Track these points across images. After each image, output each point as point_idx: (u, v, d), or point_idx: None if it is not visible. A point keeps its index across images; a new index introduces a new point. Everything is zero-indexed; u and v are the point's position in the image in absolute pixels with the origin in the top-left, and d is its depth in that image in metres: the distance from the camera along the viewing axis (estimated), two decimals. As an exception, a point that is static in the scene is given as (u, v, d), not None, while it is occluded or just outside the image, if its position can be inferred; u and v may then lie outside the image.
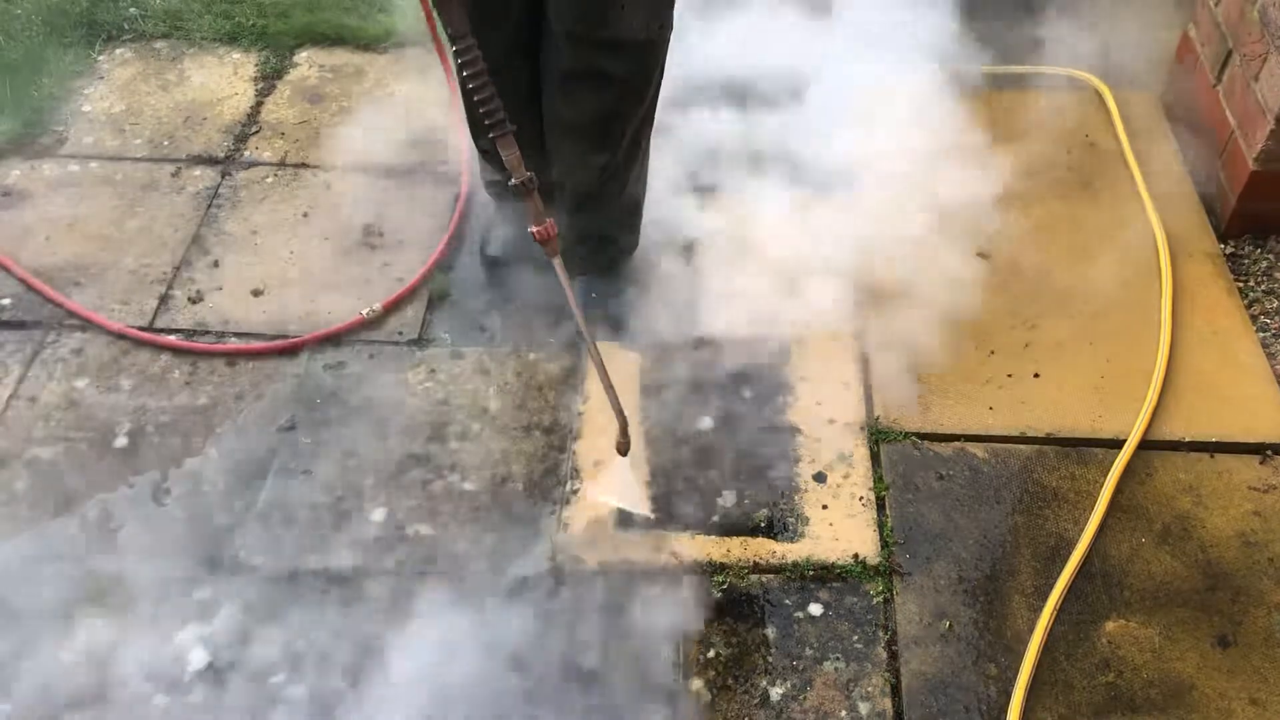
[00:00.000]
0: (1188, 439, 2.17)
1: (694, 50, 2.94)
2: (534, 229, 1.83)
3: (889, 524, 2.05)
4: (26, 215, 2.64)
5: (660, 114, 2.24)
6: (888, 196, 2.65)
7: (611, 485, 2.11)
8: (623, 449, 2.04)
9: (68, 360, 2.34)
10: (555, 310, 2.43)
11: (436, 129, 2.85)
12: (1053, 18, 3.12)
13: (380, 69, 3.07)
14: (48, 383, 2.29)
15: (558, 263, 1.86)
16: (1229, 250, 2.58)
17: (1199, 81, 2.77)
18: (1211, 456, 2.15)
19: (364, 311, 2.39)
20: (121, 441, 2.20)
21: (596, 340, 2.33)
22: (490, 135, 1.74)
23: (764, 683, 1.85)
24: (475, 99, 1.73)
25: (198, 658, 1.88)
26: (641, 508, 2.09)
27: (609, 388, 1.94)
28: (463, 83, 1.80)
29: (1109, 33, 3.06)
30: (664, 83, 2.14)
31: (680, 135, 2.77)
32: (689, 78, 2.86)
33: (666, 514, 2.08)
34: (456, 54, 1.71)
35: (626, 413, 2.02)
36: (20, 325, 2.40)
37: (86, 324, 2.40)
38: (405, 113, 2.92)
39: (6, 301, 2.45)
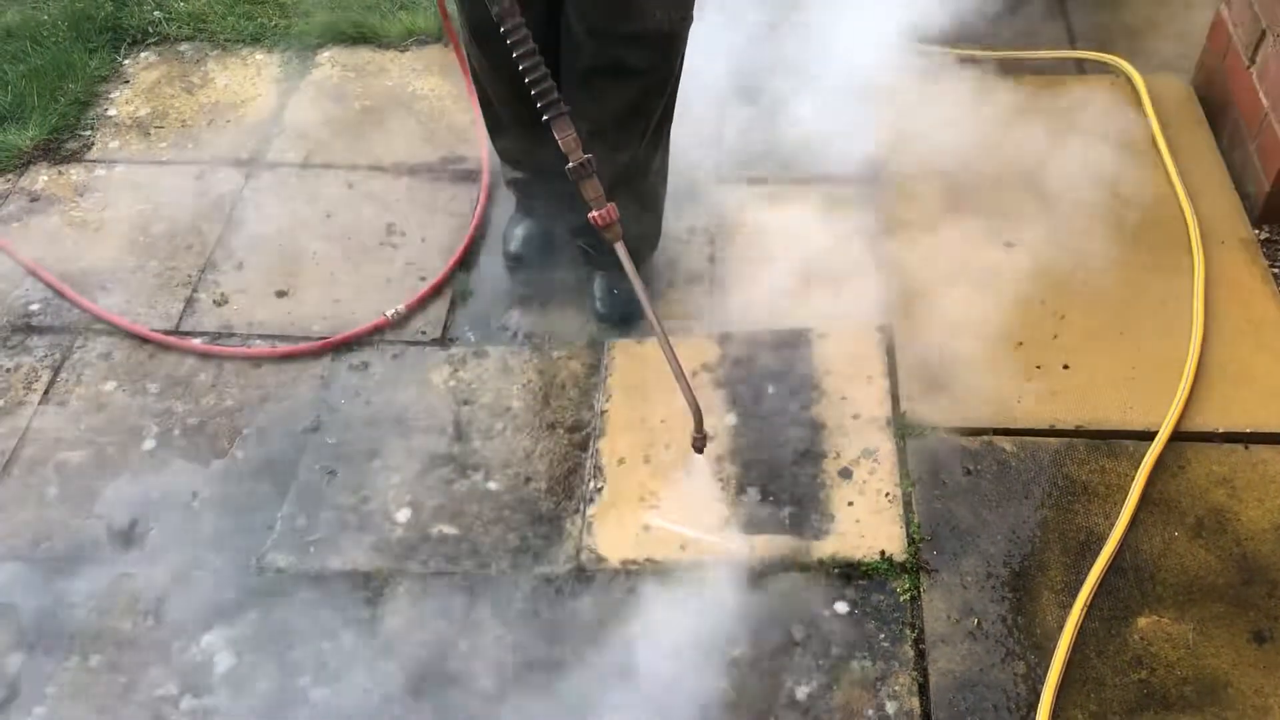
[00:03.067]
0: (1221, 430, 2.13)
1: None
2: (594, 214, 1.79)
3: (916, 520, 2.03)
4: (54, 220, 2.67)
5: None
6: (912, 184, 2.62)
7: (683, 502, 2.01)
8: (699, 445, 1.95)
9: (96, 364, 2.36)
10: (578, 307, 2.42)
11: (458, 127, 2.85)
12: (1081, 1, 3.07)
13: (402, 67, 3.07)
14: (76, 386, 2.31)
15: (620, 247, 1.80)
16: (1263, 236, 2.53)
17: (1231, 63, 2.71)
18: (1246, 448, 2.11)
19: (388, 313, 2.40)
20: (149, 444, 2.22)
21: (616, 335, 2.35)
22: (544, 117, 1.71)
23: (790, 682, 1.84)
24: (527, 80, 1.70)
25: (224, 660, 1.90)
26: (721, 531, 2.00)
27: (681, 377, 1.86)
28: (498, 66, 1.75)
29: (1138, 15, 3.01)
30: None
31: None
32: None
33: (688, 512, 2.07)
34: (505, 35, 1.68)
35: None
36: (49, 330, 2.43)
37: (114, 328, 2.42)
38: (427, 111, 2.92)
39: (35, 306, 2.47)
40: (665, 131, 2.26)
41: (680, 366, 1.85)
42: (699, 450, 1.97)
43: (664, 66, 2.08)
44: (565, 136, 1.72)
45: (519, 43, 1.68)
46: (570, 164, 1.74)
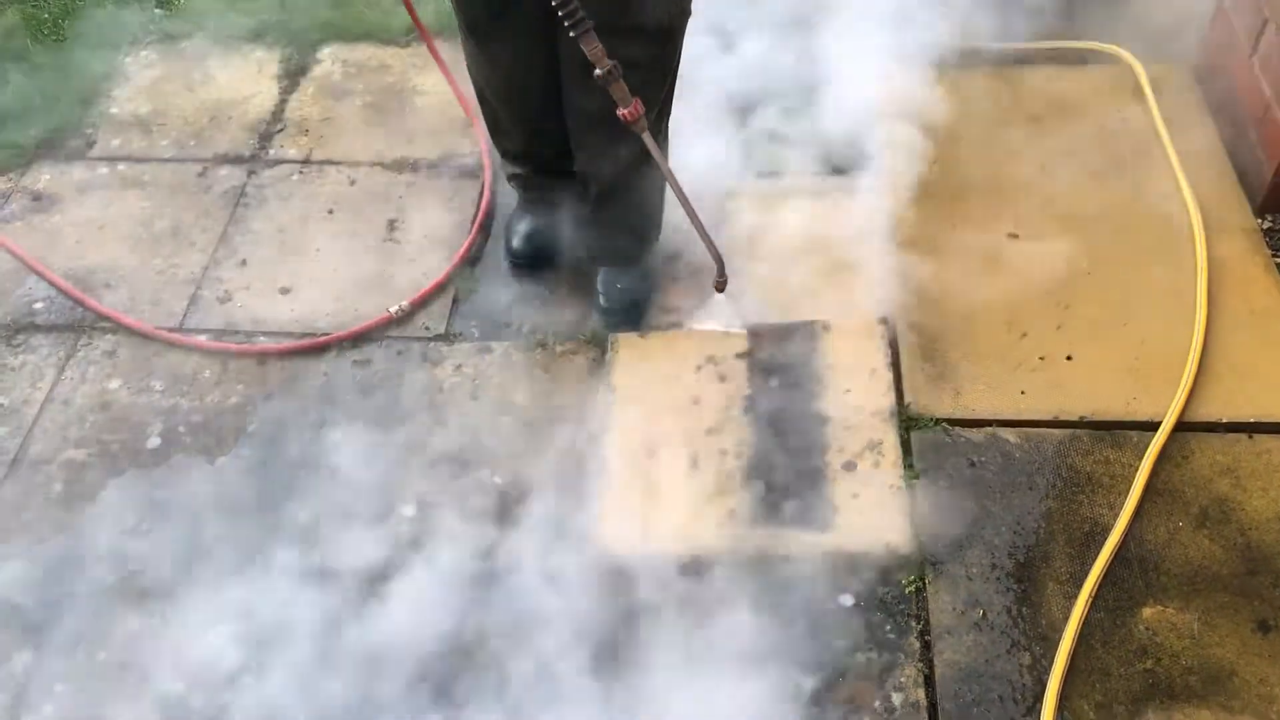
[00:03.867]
0: (1225, 420, 2.13)
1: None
2: (622, 111, 1.92)
3: (920, 512, 2.03)
4: (56, 218, 2.67)
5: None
6: (914, 176, 2.62)
7: (712, 316, 2.33)
8: (720, 287, 2.22)
9: (100, 362, 2.36)
10: (581, 302, 2.43)
11: (459, 123, 2.84)
12: (1082, -10, 3.07)
13: (403, 63, 3.07)
14: (80, 385, 2.32)
15: (648, 137, 1.97)
16: (1266, 225, 2.53)
17: (1234, 52, 2.71)
18: (1250, 437, 2.11)
19: (392, 309, 2.40)
20: (154, 442, 2.22)
21: (619, 330, 2.35)
22: (571, 34, 1.82)
23: (796, 675, 1.84)
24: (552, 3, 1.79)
25: (231, 657, 1.90)
26: (736, 325, 2.32)
27: (701, 228, 2.09)
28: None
29: (1139, 5, 3.00)
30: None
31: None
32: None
33: (692, 506, 2.07)
34: None
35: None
36: (53, 328, 2.43)
37: (118, 326, 2.42)
38: (428, 107, 2.92)
39: (39, 305, 2.48)
40: (664, 124, 2.26)
41: (697, 215, 2.07)
42: (720, 290, 2.23)
43: (663, 59, 2.08)
44: (592, 48, 1.84)
45: None
46: (597, 70, 1.87)
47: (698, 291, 2.41)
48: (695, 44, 2.19)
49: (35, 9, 3.23)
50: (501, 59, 2.12)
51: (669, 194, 2.40)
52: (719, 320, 2.33)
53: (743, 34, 3.02)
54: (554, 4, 1.80)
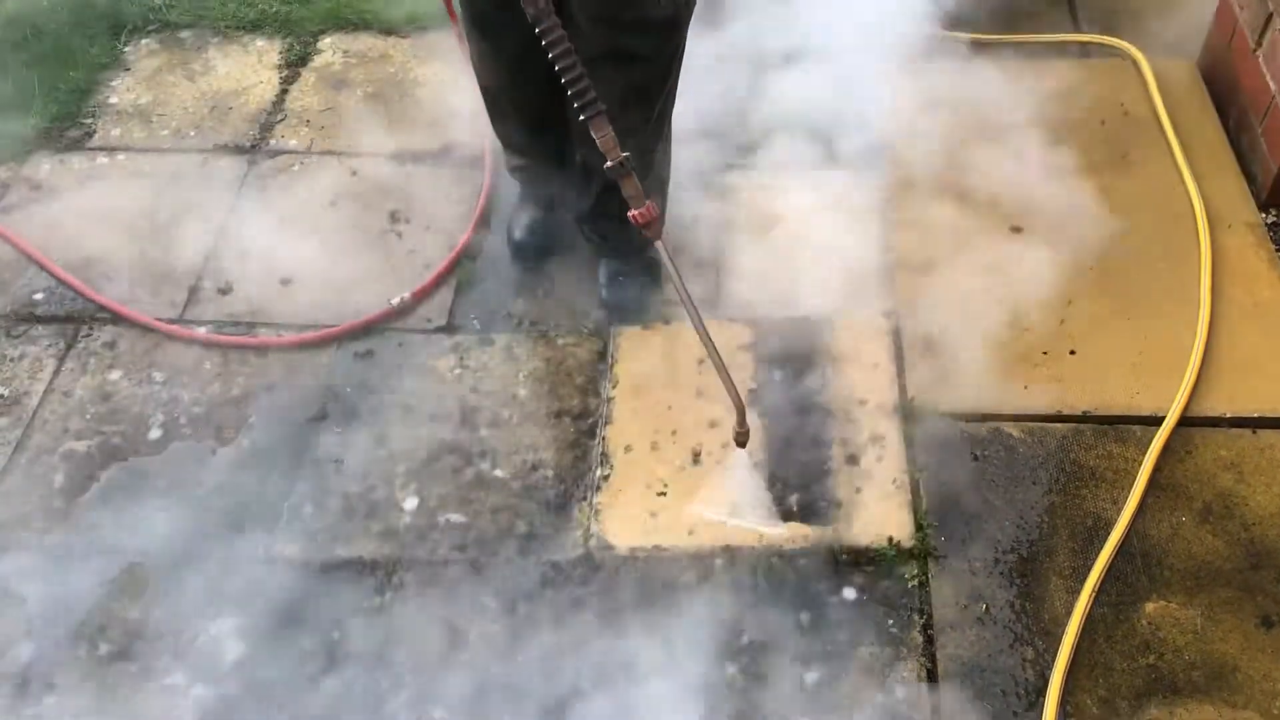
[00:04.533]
0: (1229, 415, 2.13)
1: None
2: (634, 213, 1.74)
3: (923, 506, 2.03)
4: (56, 209, 2.66)
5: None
6: (918, 170, 2.61)
7: (728, 495, 2.01)
8: (741, 440, 1.96)
9: (100, 354, 2.35)
10: (583, 294, 2.42)
11: (461, 114, 2.83)
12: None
13: (404, 54, 3.06)
14: (81, 376, 2.31)
15: (661, 246, 1.77)
16: (1270, 220, 2.52)
17: (1238, 47, 2.70)
18: (1254, 432, 2.11)
19: (394, 301, 2.39)
20: (155, 434, 2.21)
21: (621, 322, 2.35)
22: (581, 117, 1.68)
23: (799, 668, 1.84)
24: (564, 80, 1.66)
25: (233, 649, 1.90)
26: (770, 521, 2.00)
27: (722, 369, 1.85)
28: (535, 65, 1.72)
29: (1143, -2, 3.00)
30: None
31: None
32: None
33: (695, 500, 2.07)
34: (541, 35, 1.64)
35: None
36: (53, 319, 2.42)
37: (118, 317, 2.41)
38: (430, 98, 2.91)
39: (39, 296, 2.47)
40: (668, 117, 2.25)
41: (722, 361, 1.85)
42: (741, 444, 1.98)
43: (666, 52, 2.07)
44: (603, 136, 1.68)
45: (555, 42, 1.64)
46: (609, 163, 1.70)
47: (701, 284, 2.40)
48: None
49: (35, -2, 3.22)
50: (506, 51, 2.11)
51: (672, 188, 2.40)
52: (737, 505, 2.02)
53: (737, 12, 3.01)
54: (565, 82, 1.65)
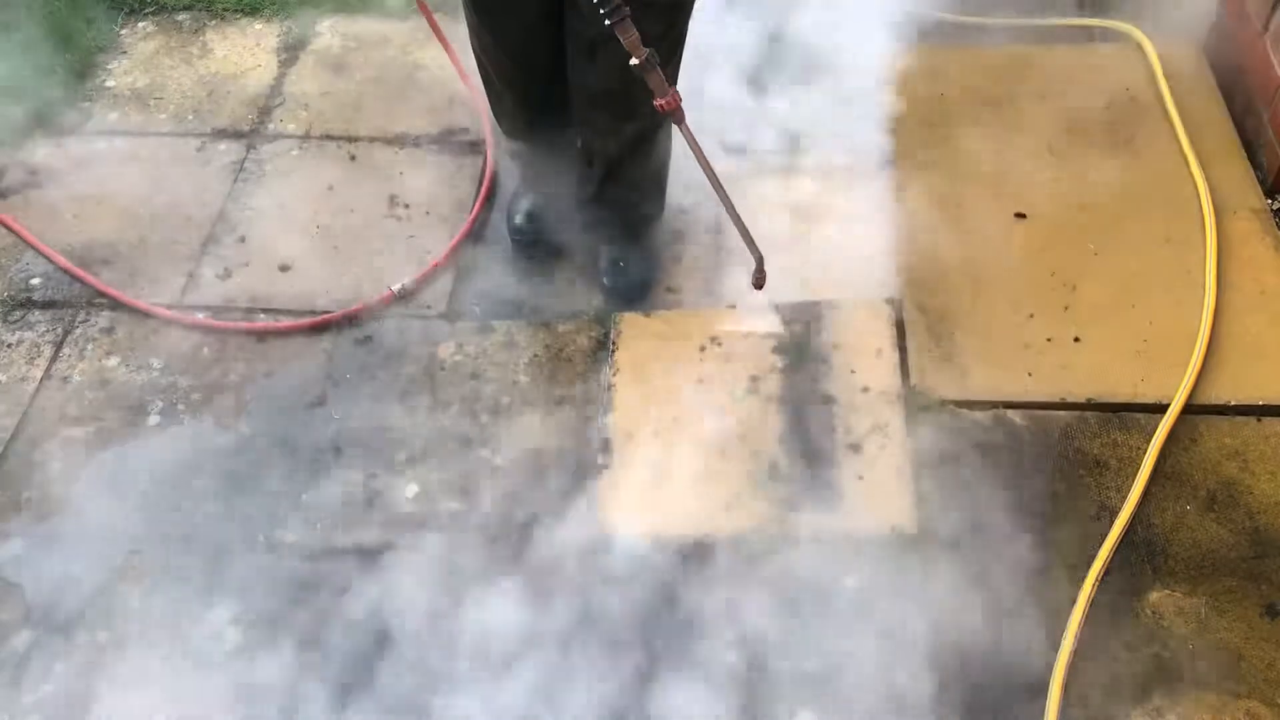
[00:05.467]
0: (1234, 403, 2.12)
1: None
2: (659, 101, 1.84)
3: (926, 494, 2.02)
4: (53, 194, 2.64)
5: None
6: (921, 156, 2.59)
7: (750, 317, 2.28)
8: (759, 283, 2.15)
9: (98, 339, 2.34)
10: (584, 281, 2.41)
11: (461, 98, 2.81)
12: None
13: (404, 37, 3.03)
14: (79, 362, 2.30)
15: (686, 129, 1.90)
16: (1276, 205, 2.50)
17: (1245, 30, 2.68)
18: (1259, 420, 2.10)
19: (394, 287, 2.37)
20: (154, 420, 2.20)
21: (623, 308, 2.33)
22: (608, 22, 1.74)
23: (802, 659, 1.83)
24: None
25: (232, 637, 1.89)
26: (778, 326, 2.27)
27: (739, 222, 2.01)
28: None
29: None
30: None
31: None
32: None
33: (696, 488, 2.06)
34: None
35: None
36: (50, 305, 2.41)
37: (116, 303, 2.39)
38: (430, 82, 2.88)
39: (36, 281, 2.45)
40: (672, 101, 2.23)
41: (739, 215, 2.00)
42: (759, 287, 2.16)
43: (670, 35, 2.05)
44: (629, 38, 1.76)
45: None
46: (634, 60, 1.79)
47: (702, 271, 2.40)
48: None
49: (30, -20, 3.19)
50: (506, 35, 2.08)
51: (673, 173, 2.38)
52: (757, 318, 2.30)
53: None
54: None
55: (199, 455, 2.14)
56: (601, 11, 1.72)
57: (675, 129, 1.95)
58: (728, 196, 1.96)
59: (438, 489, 2.07)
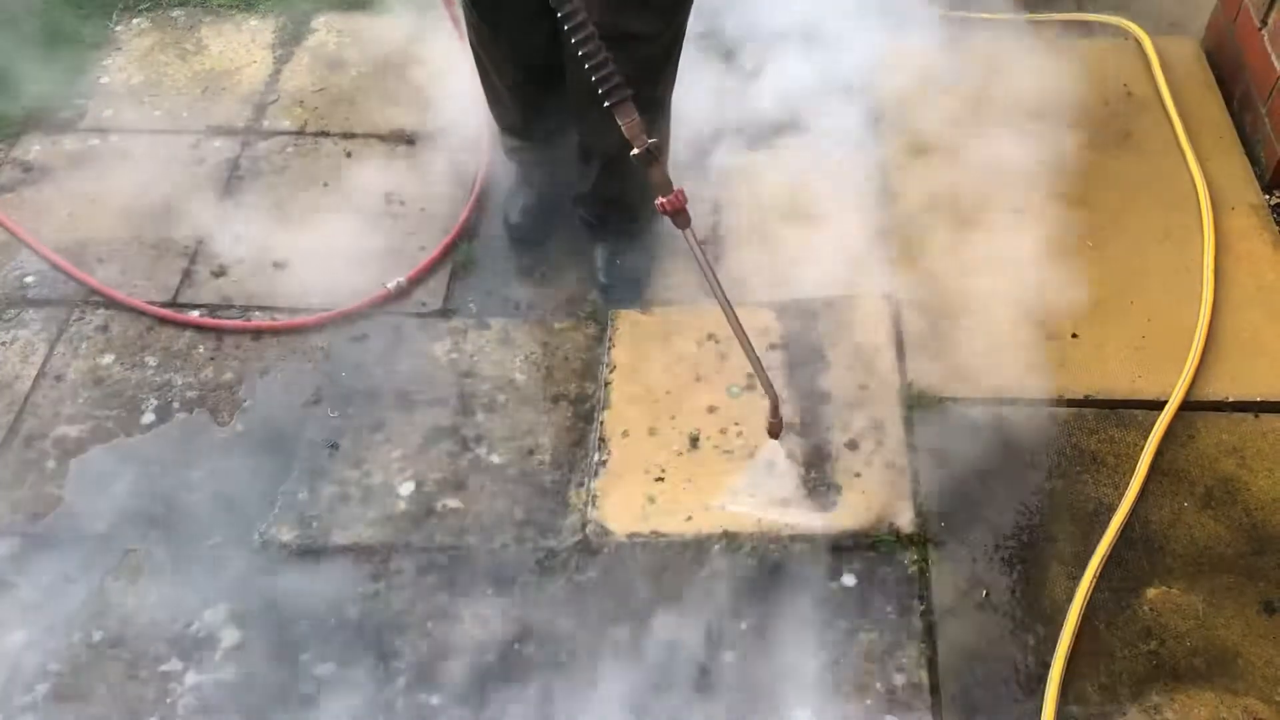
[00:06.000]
0: (1231, 399, 2.11)
1: None
2: (661, 200, 1.71)
3: (923, 491, 2.01)
4: (48, 191, 2.63)
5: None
6: (919, 152, 2.59)
7: (760, 487, 2.01)
8: (775, 431, 1.95)
9: (93, 337, 2.33)
10: (580, 278, 2.40)
11: (456, 95, 2.80)
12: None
13: (399, 33, 3.01)
14: (74, 360, 2.29)
15: (689, 234, 1.74)
16: (1274, 201, 2.50)
17: (1243, 26, 2.67)
18: (1256, 417, 2.10)
19: (389, 285, 2.37)
20: (149, 418, 2.19)
21: (618, 305, 2.32)
22: (606, 103, 1.64)
23: (798, 655, 1.83)
24: (588, 65, 1.62)
25: (229, 635, 1.88)
26: (807, 514, 1.97)
27: (755, 360, 1.84)
28: (568, 50, 1.64)
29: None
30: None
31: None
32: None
33: (693, 484, 2.05)
34: (564, 20, 1.60)
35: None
36: (45, 303, 2.40)
37: (111, 301, 2.38)
38: (425, 78, 2.87)
39: (31, 279, 2.44)
40: (668, 98, 2.22)
41: (755, 352, 1.83)
42: (774, 436, 1.97)
43: (667, 33, 2.04)
44: (629, 122, 1.65)
45: (579, 26, 1.60)
46: (635, 150, 1.67)
47: (698, 268, 2.38)
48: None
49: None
50: (503, 31, 2.08)
51: (670, 169, 2.37)
52: (782, 500, 2.01)
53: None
54: (589, 67, 1.61)
55: (194, 454, 2.13)
56: (600, 91, 1.63)
57: (673, 131, 1.90)
58: (741, 327, 1.78)
59: (433, 487, 2.07)
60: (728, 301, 1.77)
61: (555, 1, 1.60)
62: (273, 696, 1.82)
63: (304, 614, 1.91)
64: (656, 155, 1.68)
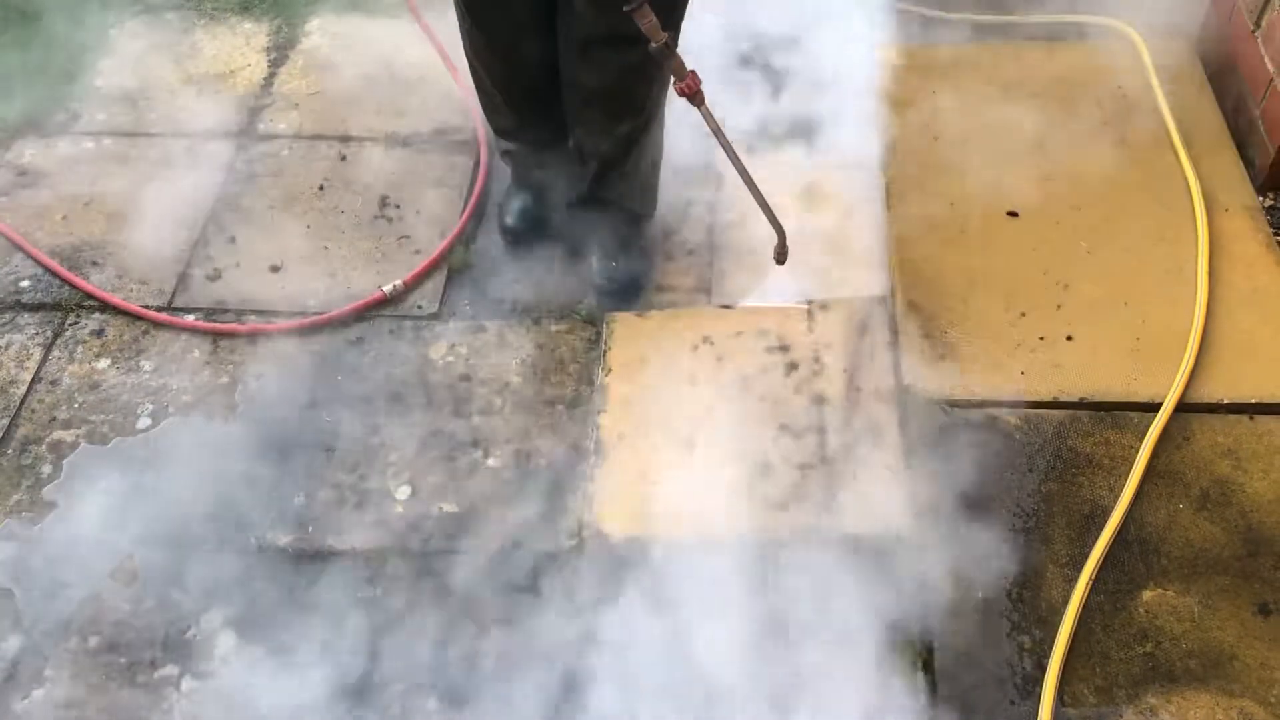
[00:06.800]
0: (1226, 401, 2.12)
1: None
2: (677, 84, 1.85)
3: (919, 494, 2.02)
4: (42, 195, 2.62)
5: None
6: (913, 153, 2.59)
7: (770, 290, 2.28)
8: (781, 258, 2.08)
9: (88, 342, 2.33)
10: (576, 281, 2.40)
11: (452, 97, 2.80)
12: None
13: (395, 36, 3.02)
14: (69, 365, 2.28)
15: (705, 110, 1.88)
16: (1268, 203, 2.51)
17: (1236, 28, 2.68)
18: (1251, 419, 2.10)
19: (385, 288, 2.36)
20: (144, 422, 2.19)
21: (615, 308, 2.33)
22: (626, 9, 1.73)
23: (796, 658, 1.83)
24: None
25: (225, 640, 1.88)
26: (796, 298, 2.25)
27: (759, 197, 1.97)
28: None
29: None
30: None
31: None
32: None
33: (688, 489, 2.05)
34: None
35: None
36: (40, 307, 2.39)
37: (106, 305, 2.38)
38: (420, 81, 2.87)
39: (25, 283, 2.44)
40: (663, 100, 2.22)
41: (759, 189, 1.96)
42: (780, 262, 2.09)
43: (670, 7, 2.04)
44: (646, 22, 1.76)
45: None
46: (652, 45, 1.79)
47: (695, 270, 2.39)
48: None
49: (18, -21, 3.17)
50: (499, 32, 2.08)
51: (665, 171, 2.37)
52: (779, 295, 2.30)
53: None
54: None
55: (190, 458, 2.12)
56: None
57: (673, 131, 1.94)
58: (747, 171, 1.93)
59: (430, 491, 2.07)
60: (734, 151, 1.92)
61: None
62: (269, 701, 1.81)
63: (300, 619, 1.90)
64: (673, 49, 1.82)
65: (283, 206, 2.58)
